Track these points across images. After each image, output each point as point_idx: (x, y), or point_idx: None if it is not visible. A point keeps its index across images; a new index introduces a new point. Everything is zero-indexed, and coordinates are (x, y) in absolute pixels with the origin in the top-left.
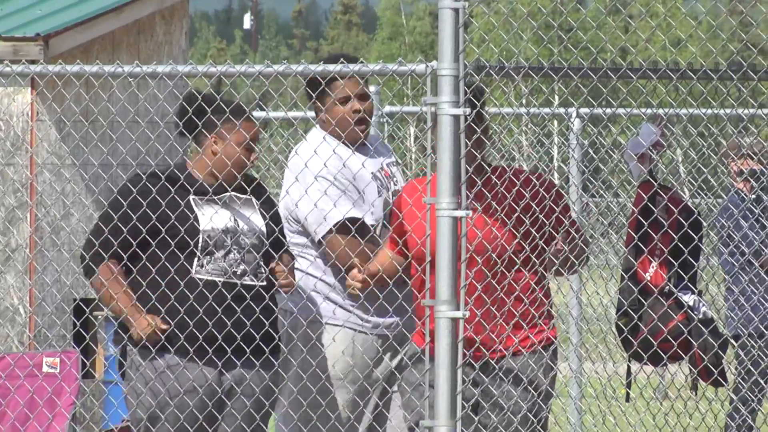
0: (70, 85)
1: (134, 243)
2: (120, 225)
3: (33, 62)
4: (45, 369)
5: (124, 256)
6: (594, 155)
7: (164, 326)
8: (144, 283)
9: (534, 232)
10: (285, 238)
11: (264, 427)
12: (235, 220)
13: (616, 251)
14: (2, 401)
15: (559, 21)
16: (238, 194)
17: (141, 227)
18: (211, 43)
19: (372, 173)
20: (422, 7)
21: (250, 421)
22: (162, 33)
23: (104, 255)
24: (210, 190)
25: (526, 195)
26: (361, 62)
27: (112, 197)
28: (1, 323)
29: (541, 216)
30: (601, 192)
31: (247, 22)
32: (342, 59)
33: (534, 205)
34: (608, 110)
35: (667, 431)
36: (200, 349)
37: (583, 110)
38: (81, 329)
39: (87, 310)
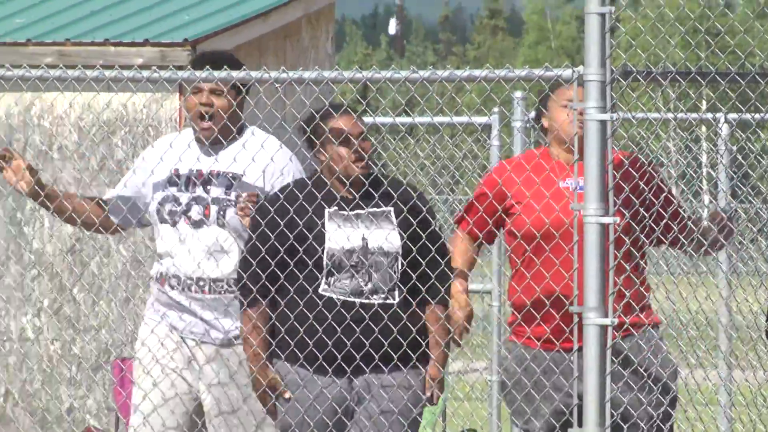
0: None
1: (279, 272)
2: (267, 257)
3: (180, 68)
4: None
5: (272, 289)
6: (743, 161)
7: (286, 395)
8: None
9: (646, 216)
10: (439, 253)
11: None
12: (364, 238)
13: (766, 258)
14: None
15: (707, 25)
16: (374, 208)
17: (283, 253)
18: (358, 48)
19: (174, 170)
20: (569, 11)
21: (382, 425)
22: (308, 38)
23: (251, 290)
24: (338, 198)
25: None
26: (507, 68)
27: (253, 221)
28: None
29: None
30: (750, 198)
31: (393, 27)
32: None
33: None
34: (757, 115)
35: None
36: (330, 363)
37: (732, 115)
38: None
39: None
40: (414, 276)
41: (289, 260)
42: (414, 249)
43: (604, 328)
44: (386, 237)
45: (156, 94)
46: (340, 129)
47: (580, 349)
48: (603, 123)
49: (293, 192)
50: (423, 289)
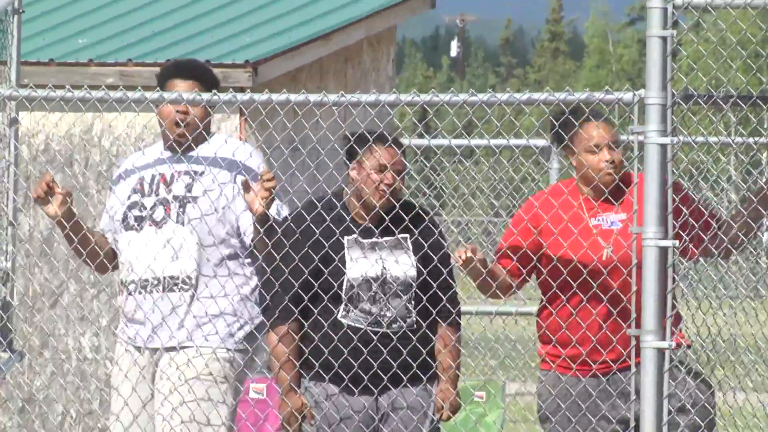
0: (277, 112)
1: (304, 296)
2: (290, 279)
3: (242, 89)
4: (252, 395)
5: (295, 311)
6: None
7: (312, 420)
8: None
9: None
10: (441, 275)
11: None
12: (383, 267)
13: None
14: None
15: None
16: (390, 236)
17: (306, 276)
18: (419, 71)
19: (139, 179)
20: (630, 34)
21: None
22: (369, 60)
23: (275, 314)
24: (356, 229)
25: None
26: (567, 90)
27: (276, 240)
28: None
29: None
30: None
31: (454, 49)
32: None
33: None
34: None
35: None
36: (353, 383)
37: None
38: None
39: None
40: (424, 299)
41: (312, 282)
42: (425, 273)
43: (661, 351)
44: (404, 268)
45: (216, 115)
46: (380, 159)
47: (626, 369)
48: (663, 147)
49: (315, 213)
50: (434, 311)
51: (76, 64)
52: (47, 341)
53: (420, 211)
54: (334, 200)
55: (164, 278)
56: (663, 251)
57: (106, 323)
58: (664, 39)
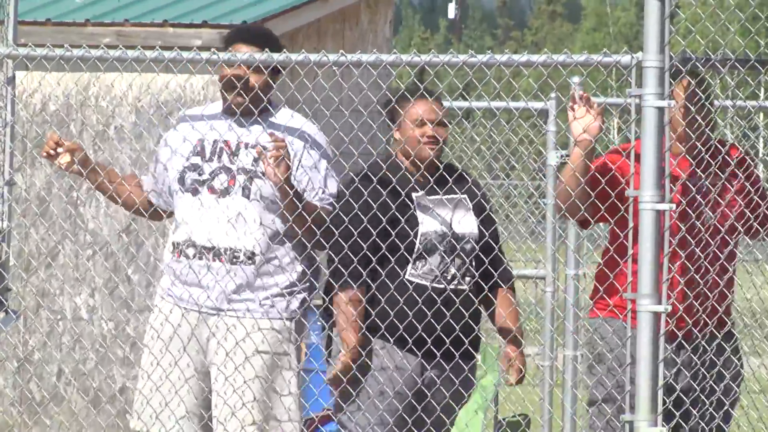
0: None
1: (372, 257)
2: (359, 241)
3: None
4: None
5: (363, 274)
6: None
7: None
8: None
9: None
10: (497, 240)
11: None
12: (449, 224)
13: None
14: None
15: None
16: (452, 195)
17: (376, 239)
18: (416, 32)
19: (198, 140)
20: None
21: (447, 415)
22: (367, 21)
23: (342, 274)
24: (418, 188)
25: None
26: (566, 53)
27: (342, 204)
28: None
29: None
30: None
31: (452, 11)
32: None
33: (748, 185)
34: None
35: None
36: (406, 342)
37: None
38: None
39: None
40: (487, 261)
41: (380, 244)
42: (487, 235)
43: (657, 315)
44: (468, 227)
45: (214, 76)
46: (417, 113)
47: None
48: (661, 110)
49: (377, 176)
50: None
51: (73, 24)
52: (43, 302)
53: (465, 174)
54: (381, 164)
55: (226, 249)
56: (659, 215)
57: (102, 283)
58: (662, 2)
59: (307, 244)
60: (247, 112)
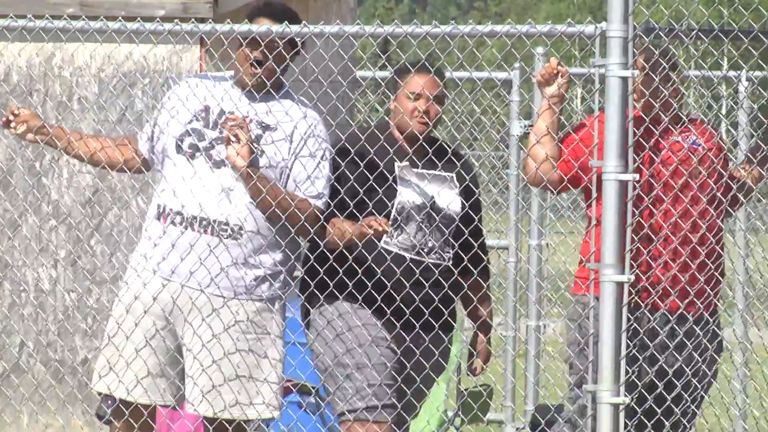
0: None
1: (351, 203)
2: (338, 187)
3: (202, 20)
4: None
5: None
6: (764, 119)
7: (387, 228)
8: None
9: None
10: (480, 220)
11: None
12: (430, 197)
13: None
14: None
15: None
16: (439, 172)
17: (358, 188)
18: (380, 2)
19: (204, 105)
20: None
21: (427, 385)
22: None
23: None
24: (403, 157)
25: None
26: (529, 23)
27: (336, 151)
28: None
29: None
30: None
31: None
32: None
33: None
34: None
35: None
36: (386, 312)
37: (756, 73)
38: None
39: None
40: (476, 244)
41: (365, 203)
42: (476, 219)
43: (620, 285)
44: (447, 201)
45: (177, 47)
46: (415, 87)
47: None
48: (624, 79)
49: (371, 138)
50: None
51: None
52: (6, 273)
53: (458, 155)
54: (377, 132)
55: (215, 221)
56: (623, 185)
57: (65, 254)
58: None
59: (290, 228)
60: (259, 87)
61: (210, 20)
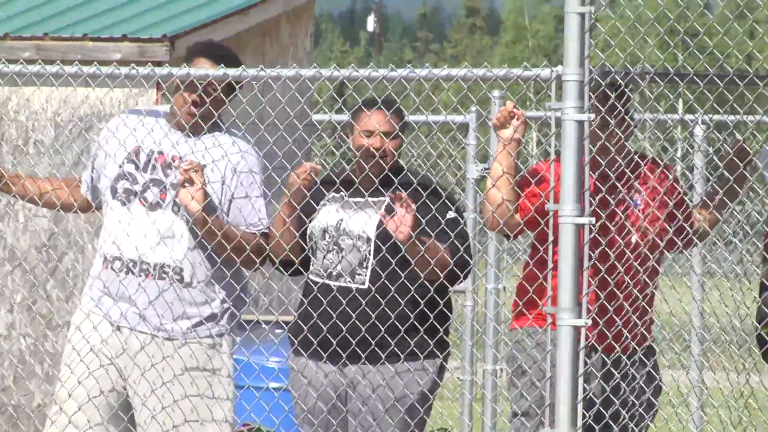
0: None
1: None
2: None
3: (159, 63)
4: None
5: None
6: (719, 162)
7: (318, 167)
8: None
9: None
10: (462, 234)
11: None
12: (340, 221)
13: (741, 260)
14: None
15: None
16: (374, 197)
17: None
18: (336, 45)
19: (135, 147)
20: (547, 10)
21: (373, 417)
22: (287, 35)
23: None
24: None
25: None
26: (486, 67)
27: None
28: None
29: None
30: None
31: (371, 24)
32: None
33: (668, 199)
34: (733, 117)
35: None
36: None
37: (714, 117)
38: None
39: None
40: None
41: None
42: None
43: (577, 329)
44: (365, 222)
45: (133, 90)
46: (366, 124)
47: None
48: (581, 123)
49: (327, 177)
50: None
51: None
52: None
53: (426, 183)
54: (335, 169)
55: (154, 264)
56: (579, 229)
57: (21, 299)
58: (582, 15)
59: (236, 261)
60: (193, 128)
61: (166, 64)
